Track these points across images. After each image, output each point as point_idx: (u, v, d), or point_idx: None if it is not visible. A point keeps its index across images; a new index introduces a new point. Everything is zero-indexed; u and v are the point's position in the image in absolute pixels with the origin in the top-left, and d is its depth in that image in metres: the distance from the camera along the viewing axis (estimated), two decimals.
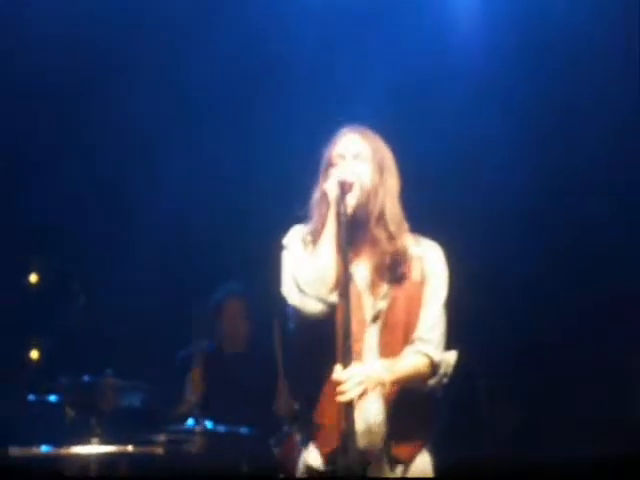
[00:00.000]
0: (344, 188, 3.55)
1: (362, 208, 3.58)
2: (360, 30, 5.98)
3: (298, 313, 3.51)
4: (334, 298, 3.48)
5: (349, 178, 3.56)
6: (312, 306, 3.47)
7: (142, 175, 6.21)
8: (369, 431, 3.48)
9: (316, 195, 3.68)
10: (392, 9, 5.97)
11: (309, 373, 3.57)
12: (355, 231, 3.58)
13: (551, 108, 5.92)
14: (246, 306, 5.80)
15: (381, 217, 3.60)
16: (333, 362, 3.41)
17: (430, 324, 3.59)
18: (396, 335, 3.56)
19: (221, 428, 5.25)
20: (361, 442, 3.40)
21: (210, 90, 6.05)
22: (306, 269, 3.51)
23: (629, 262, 5.89)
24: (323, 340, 3.51)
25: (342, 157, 3.66)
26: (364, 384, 3.35)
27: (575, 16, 5.69)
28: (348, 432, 3.35)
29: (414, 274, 3.62)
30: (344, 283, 3.46)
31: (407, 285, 3.60)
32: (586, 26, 5.68)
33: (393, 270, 3.59)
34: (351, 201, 3.55)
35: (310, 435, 3.57)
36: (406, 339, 3.57)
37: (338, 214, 3.52)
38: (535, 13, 5.82)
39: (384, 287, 3.59)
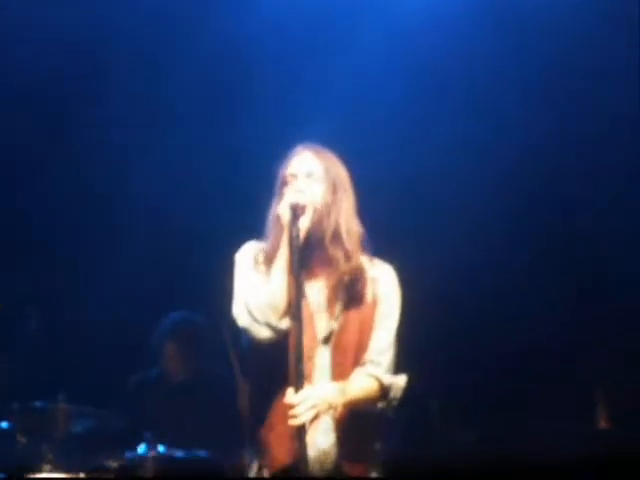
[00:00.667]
0: (296, 211, 3.53)
1: (316, 229, 3.56)
2: (322, 44, 5.99)
3: (248, 335, 3.50)
4: (284, 325, 3.47)
5: (301, 200, 3.55)
6: (261, 332, 3.45)
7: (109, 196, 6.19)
8: (321, 453, 3.47)
9: (271, 215, 3.66)
10: (358, 21, 5.98)
11: (260, 392, 3.57)
12: (310, 252, 3.57)
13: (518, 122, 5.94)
14: (184, 344, 5.81)
15: (336, 236, 3.58)
16: (284, 384, 3.42)
17: (381, 347, 3.59)
18: (347, 356, 3.56)
19: (175, 452, 5.21)
20: (313, 465, 3.40)
21: (178, 104, 6.07)
22: (257, 294, 3.49)
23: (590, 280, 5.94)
24: (274, 362, 3.50)
25: (294, 176, 3.64)
26: (316, 407, 3.35)
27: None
28: (300, 456, 3.35)
29: (368, 295, 3.61)
30: (296, 306, 3.45)
31: (360, 306, 3.60)
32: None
33: (348, 290, 3.59)
34: (304, 224, 3.53)
35: (258, 454, 3.55)
36: (357, 361, 3.57)
37: (291, 238, 3.50)
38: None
39: (337, 308, 3.58)
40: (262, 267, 3.59)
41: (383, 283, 3.65)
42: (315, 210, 3.56)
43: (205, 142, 6.13)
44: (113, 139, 6.09)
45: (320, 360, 3.54)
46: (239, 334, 3.57)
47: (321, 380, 3.49)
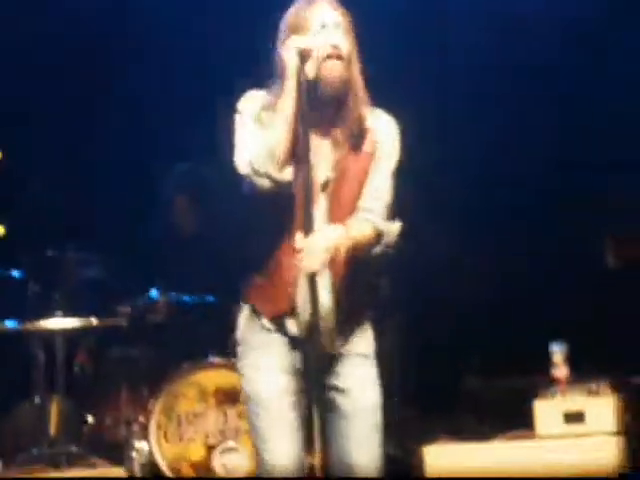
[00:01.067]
0: (303, 56, 3.37)
1: (332, 80, 3.43)
2: None
3: (250, 185, 3.42)
4: (285, 176, 3.37)
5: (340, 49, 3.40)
6: (262, 183, 3.37)
7: None
8: (324, 309, 3.41)
9: (276, 60, 3.49)
10: None
11: (265, 239, 3.49)
12: (317, 103, 3.43)
13: None
14: (193, 196, 5.73)
15: (349, 92, 3.47)
16: (290, 229, 3.37)
17: (375, 194, 3.53)
18: (343, 205, 3.50)
19: (185, 298, 5.27)
20: (317, 318, 3.32)
21: None
22: (256, 143, 3.39)
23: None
24: (278, 208, 3.43)
25: (323, 25, 3.45)
26: (328, 251, 3.30)
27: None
28: (314, 308, 3.28)
29: (366, 145, 3.53)
30: (304, 148, 3.35)
31: (358, 155, 3.53)
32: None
33: (348, 140, 3.51)
34: (331, 72, 3.39)
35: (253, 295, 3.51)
36: (352, 209, 3.51)
37: (298, 83, 3.37)
38: None
39: (336, 157, 3.51)
40: (264, 116, 3.48)
41: (383, 133, 3.55)
42: (343, 59, 3.43)
43: None
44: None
45: (318, 208, 3.48)
46: (241, 183, 3.49)
47: (319, 228, 3.41)
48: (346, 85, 3.43)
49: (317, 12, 3.45)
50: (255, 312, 3.47)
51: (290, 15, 3.50)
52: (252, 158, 3.36)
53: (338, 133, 3.50)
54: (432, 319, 5.98)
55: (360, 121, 3.51)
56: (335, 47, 3.38)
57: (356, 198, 3.52)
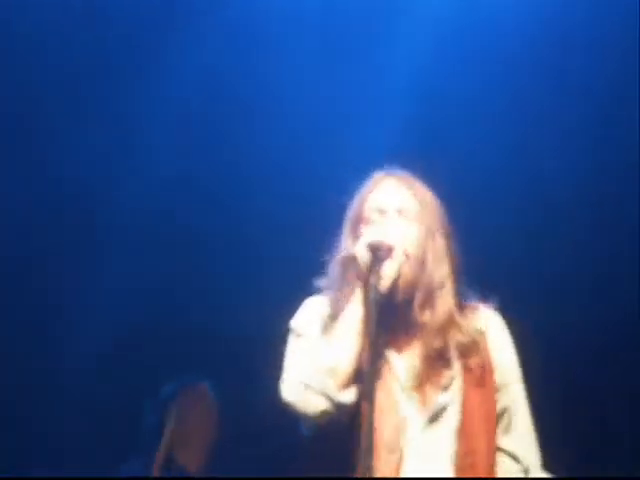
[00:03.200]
0: (378, 253, 2.64)
1: (406, 282, 2.71)
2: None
3: (300, 415, 2.64)
4: (347, 397, 2.60)
5: (387, 241, 2.66)
6: (314, 404, 2.59)
7: None
8: None
9: (337, 261, 2.79)
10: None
11: None
12: (392, 311, 2.71)
13: None
14: (212, 402, 4.58)
15: (429, 295, 2.74)
16: None
17: (528, 438, 2.79)
18: (477, 441, 2.69)
19: None
20: None
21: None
22: (314, 356, 2.64)
23: None
24: (337, 453, 2.63)
25: (381, 212, 2.77)
26: None
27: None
28: None
29: (476, 357, 2.76)
30: (369, 380, 2.55)
31: (471, 372, 2.74)
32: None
33: (446, 355, 2.74)
34: (389, 271, 2.65)
35: None
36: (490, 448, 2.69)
37: (368, 287, 2.61)
38: None
39: (445, 374, 2.72)
40: (328, 330, 2.72)
41: (494, 336, 2.82)
42: (407, 257, 2.70)
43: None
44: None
45: (421, 455, 2.66)
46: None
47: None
48: (413, 287, 2.71)
49: (382, 194, 2.80)
50: None
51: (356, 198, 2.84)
52: (306, 373, 2.61)
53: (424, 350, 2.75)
54: None
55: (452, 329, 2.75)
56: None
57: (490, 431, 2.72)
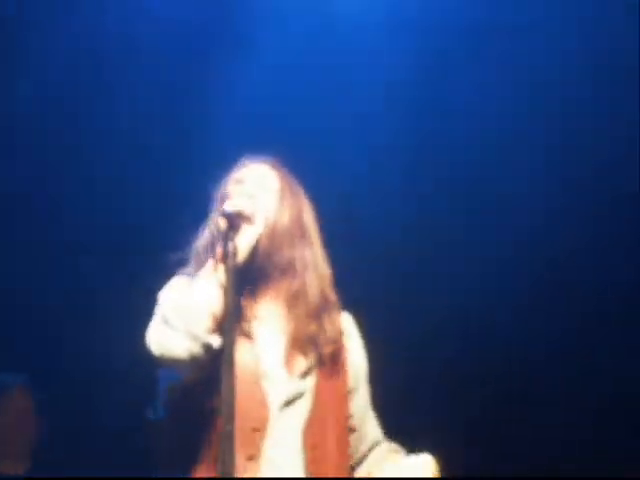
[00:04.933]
0: (235, 221, 2.63)
1: (267, 248, 2.72)
2: None
3: (164, 364, 2.56)
4: (215, 340, 2.53)
5: (245, 208, 2.65)
6: (182, 346, 2.51)
7: None
8: None
9: (201, 238, 2.81)
10: None
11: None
12: (256, 280, 2.73)
13: None
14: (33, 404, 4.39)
15: (292, 270, 2.75)
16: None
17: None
18: (325, 430, 2.68)
19: None
20: None
21: None
22: (175, 302, 2.59)
23: None
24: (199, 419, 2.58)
25: (239, 182, 2.78)
26: None
27: None
28: None
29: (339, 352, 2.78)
30: (228, 345, 2.48)
31: (330, 366, 2.75)
32: None
33: (316, 341, 2.73)
34: (248, 238, 2.64)
35: None
36: (339, 435, 2.70)
37: (225, 255, 2.58)
38: None
39: (305, 361, 2.71)
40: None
41: (352, 338, 2.86)
42: (266, 226, 2.70)
43: None
44: None
45: (278, 434, 2.62)
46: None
47: (284, 466, 2.60)
48: (273, 256, 2.72)
49: (243, 171, 2.83)
50: None
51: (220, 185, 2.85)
52: (169, 316, 2.53)
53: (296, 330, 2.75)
54: None
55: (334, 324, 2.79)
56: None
57: (340, 422, 2.74)
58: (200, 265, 2.72)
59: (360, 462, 2.84)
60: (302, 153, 3.03)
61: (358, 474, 2.83)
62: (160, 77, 4.85)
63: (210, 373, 2.53)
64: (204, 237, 2.80)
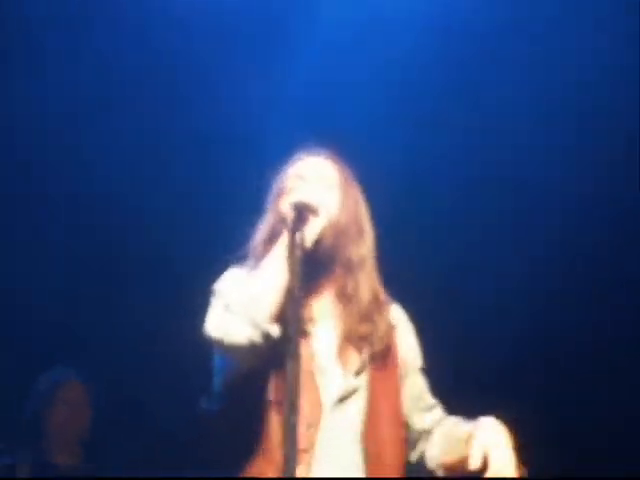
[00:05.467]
0: (303, 213, 2.60)
1: (329, 243, 2.70)
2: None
3: (223, 350, 2.56)
4: (274, 329, 2.51)
5: (312, 201, 2.62)
6: (243, 333, 2.49)
7: None
8: None
9: (261, 231, 2.79)
10: None
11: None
12: (316, 273, 2.69)
13: None
14: (87, 397, 4.45)
15: (356, 263, 2.73)
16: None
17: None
18: (381, 426, 2.68)
19: None
20: None
21: None
22: (237, 290, 2.57)
23: None
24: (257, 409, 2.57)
25: (301, 178, 2.75)
26: None
27: None
28: None
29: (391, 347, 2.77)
30: (292, 336, 2.43)
31: (382, 361, 2.74)
32: None
33: (372, 338, 2.71)
34: (313, 229, 2.62)
35: None
36: (395, 434, 2.70)
37: (292, 245, 2.54)
38: None
39: (358, 358, 2.70)
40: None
41: (401, 329, 2.85)
42: (329, 221, 2.67)
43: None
44: None
45: (331, 431, 2.61)
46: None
47: (338, 463, 2.58)
48: (334, 252, 2.70)
49: (303, 166, 2.81)
50: None
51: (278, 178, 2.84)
52: (231, 303, 2.52)
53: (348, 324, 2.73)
54: None
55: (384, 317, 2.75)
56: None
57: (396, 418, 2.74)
58: (258, 258, 2.70)
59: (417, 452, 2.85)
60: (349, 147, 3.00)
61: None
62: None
63: (267, 364, 2.53)
64: (262, 231, 2.78)
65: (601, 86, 4.68)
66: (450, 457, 2.75)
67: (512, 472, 2.54)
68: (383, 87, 4.82)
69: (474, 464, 2.56)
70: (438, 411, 2.87)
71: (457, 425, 2.78)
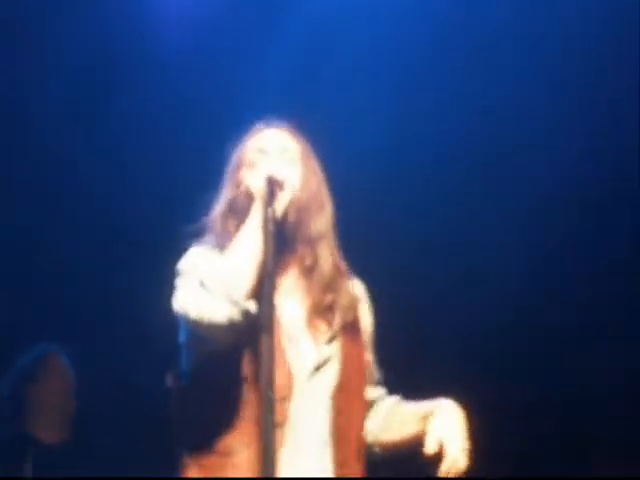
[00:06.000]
0: (274, 187, 2.61)
1: (294, 217, 2.71)
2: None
3: (200, 329, 2.53)
4: (252, 306, 2.51)
5: (279, 175, 2.63)
6: (221, 310, 2.48)
7: None
8: None
9: (219, 204, 2.76)
10: None
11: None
12: (282, 246, 2.67)
13: None
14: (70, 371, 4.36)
15: (318, 236, 2.75)
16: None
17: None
18: (351, 395, 2.71)
19: None
20: None
21: None
22: (213, 268, 2.56)
23: None
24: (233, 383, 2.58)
25: (263, 152, 2.74)
26: None
27: None
28: None
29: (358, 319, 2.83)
30: (267, 310, 2.47)
31: (351, 332, 2.76)
32: None
33: (334, 308, 2.73)
34: (282, 202, 2.63)
35: None
36: (362, 404, 2.73)
37: (265, 219, 2.56)
38: None
39: (328, 328, 2.72)
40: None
41: (362, 305, 2.88)
42: (293, 195, 2.67)
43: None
44: None
45: (305, 401, 2.62)
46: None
47: (311, 434, 2.61)
48: (297, 227, 2.71)
49: (265, 138, 2.82)
50: None
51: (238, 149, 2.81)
52: (208, 282, 2.50)
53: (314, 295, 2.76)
54: None
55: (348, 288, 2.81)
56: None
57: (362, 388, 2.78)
58: (219, 233, 2.71)
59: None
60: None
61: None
62: None
63: (242, 340, 2.54)
64: (221, 204, 2.77)
65: (603, 83, 4.70)
66: (390, 435, 2.80)
67: (465, 462, 2.61)
68: (369, 73, 4.85)
69: (429, 449, 2.61)
70: (382, 389, 2.90)
71: (402, 405, 2.84)
